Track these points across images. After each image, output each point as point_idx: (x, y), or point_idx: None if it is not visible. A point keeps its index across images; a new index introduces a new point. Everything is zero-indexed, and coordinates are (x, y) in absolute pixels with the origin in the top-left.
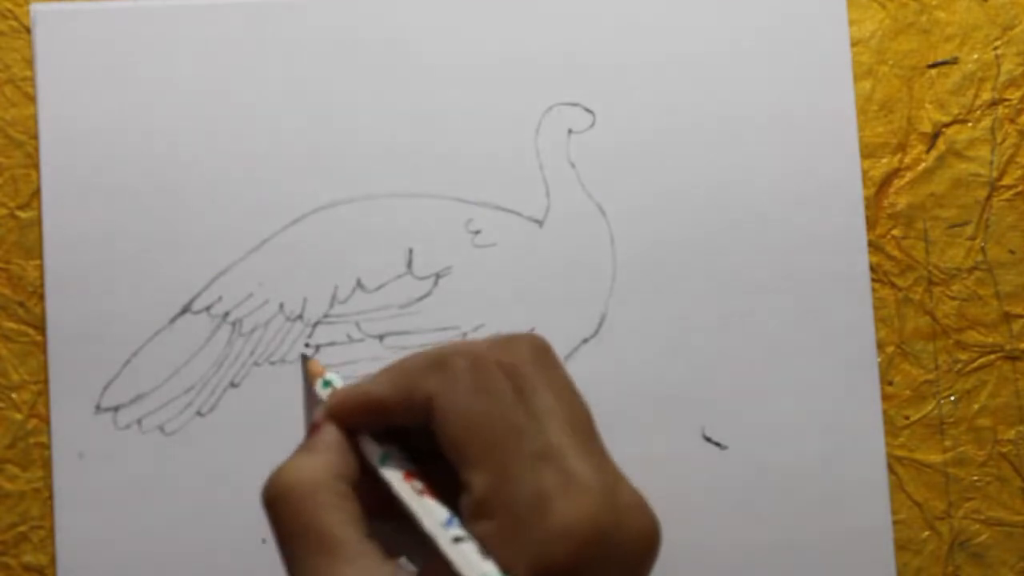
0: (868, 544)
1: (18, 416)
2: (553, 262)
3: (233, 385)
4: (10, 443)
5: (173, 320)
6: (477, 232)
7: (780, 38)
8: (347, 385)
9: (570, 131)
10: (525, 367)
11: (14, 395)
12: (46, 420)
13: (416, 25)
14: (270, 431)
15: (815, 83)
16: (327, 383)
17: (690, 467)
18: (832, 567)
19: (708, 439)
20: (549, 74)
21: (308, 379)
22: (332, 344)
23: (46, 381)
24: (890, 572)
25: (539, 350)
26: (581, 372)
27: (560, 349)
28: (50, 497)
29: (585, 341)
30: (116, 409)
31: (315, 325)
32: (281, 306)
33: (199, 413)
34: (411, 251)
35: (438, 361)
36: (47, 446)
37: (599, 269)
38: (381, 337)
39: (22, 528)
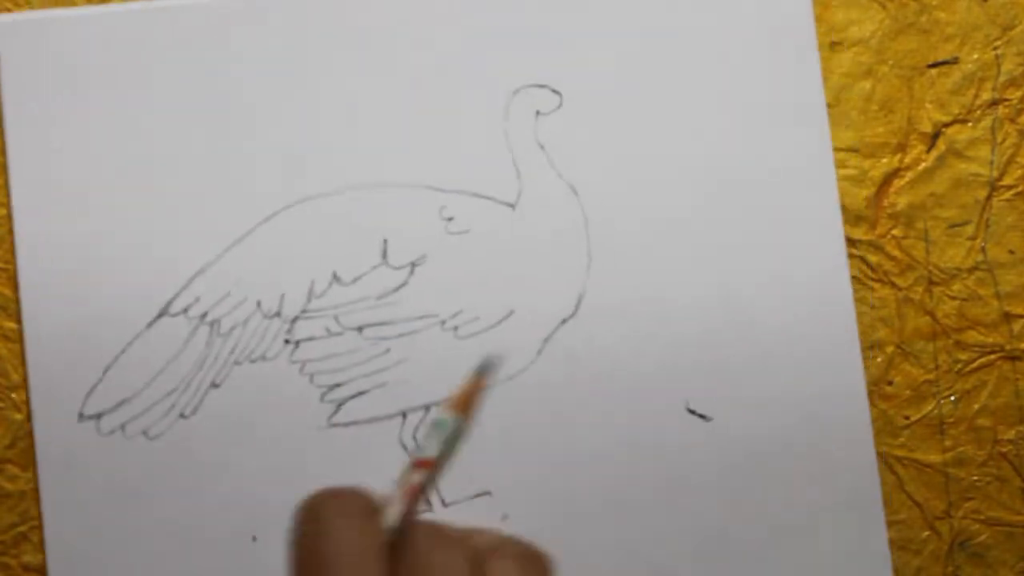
0: (856, 514)
1: (18, 416)
2: (528, 244)
3: (215, 386)
4: (10, 443)
5: (151, 324)
6: (450, 219)
7: (749, 13)
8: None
9: (538, 113)
10: None
11: (14, 395)
12: None
13: (378, 14)
14: (254, 429)
15: (783, 60)
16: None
17: (675, 440)
18: (820, 537)
19: (692, 411)
20: (515, 56)
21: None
22: (311, 339)
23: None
24: (881, 541)
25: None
26: (562, 352)
27: (539, 330)
28: None
29: (564, 321)
30: (99, 416)
31: (293, 321)
32: (258, 304)
33: (182, 415)
34: (385, 241)
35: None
36: None
37: (575, 249)
38: (360, 329)
39: (22, 528)
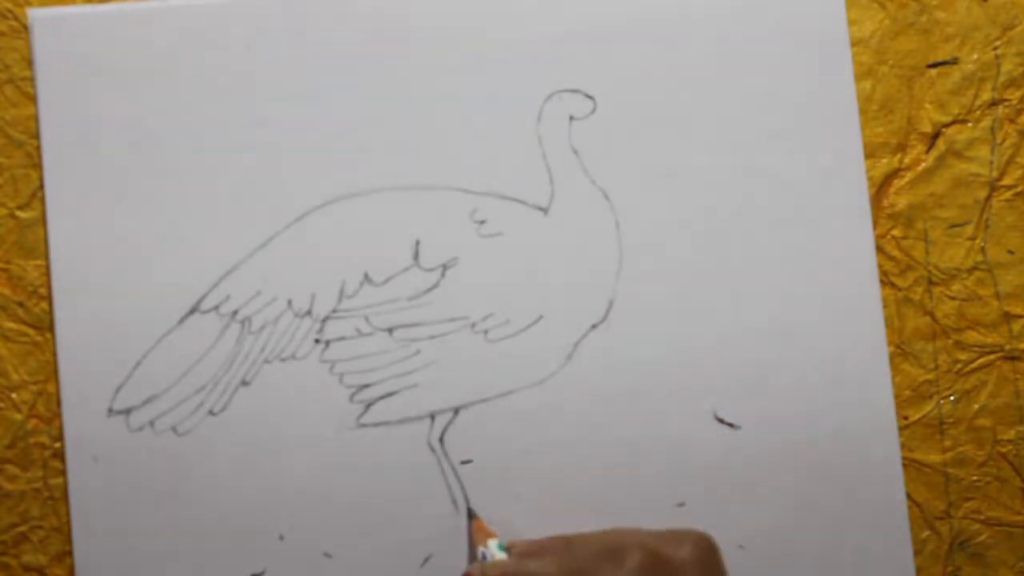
0: (882, 518)
1: (18, 416)
2: (559, 249)
3: (244, 383)
4: (10, 443)
5: (182, 320)
6: (482, 222)
7: (782, 25)
8: (508, 560)
9: (571, 118)
10: (690, 569)
11: (14, 395)
12: (46, 420)
13: (415, 17)
14: (283, 428)
15: (816, 66)
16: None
17: (703, 448)
18: (847, 542)
19: (720, 420)
20: (548, 62)
21: (472, 537)
22: (342, 339)
23: (47, 381)
24: (906, 547)
25: (706, 552)
26: (591, 357)
27: (569, 335)
28: (50, 497)
29: (594, 327)
30: (128, 412)
31: (324, 320)
32: (289, 303)
33: (211, 412)
34: (417, 243)
35: (613, 551)
36: (47, 446)
37: (605, 254)
38: (390, 330)
39: (22, 528)
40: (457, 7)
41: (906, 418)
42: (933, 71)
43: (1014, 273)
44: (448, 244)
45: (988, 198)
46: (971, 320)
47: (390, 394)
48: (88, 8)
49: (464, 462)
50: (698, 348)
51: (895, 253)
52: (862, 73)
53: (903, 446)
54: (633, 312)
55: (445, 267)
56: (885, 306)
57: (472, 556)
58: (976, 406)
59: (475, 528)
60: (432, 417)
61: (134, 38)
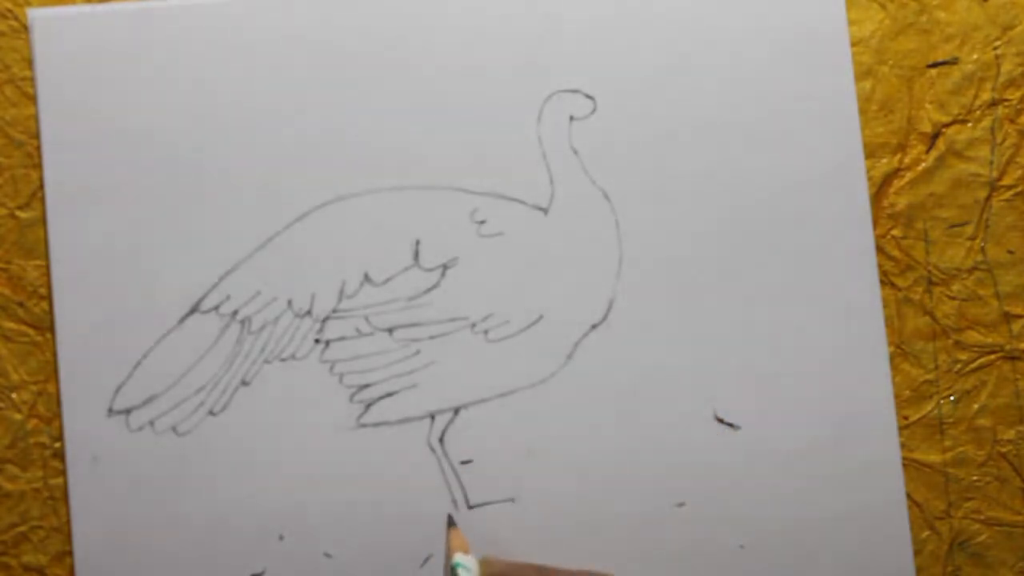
0: (883, 520)
1: (18, 416)
2: (559, 249)
3: (244, 383)
4: (10, 443)
5: (182, 320)
6: (482, 222)
7: (782, 25)
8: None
9: (572, 118)
10: None
11: (14, 395)
12: (46, 420)
13: (415, 17)
14: (283, 428)
15: (816, 66)
16: (454, 568)
17: (703, 448)
18: (847, 543)
19: (720, 420)
20: (549, 61)
21: (448, 545)
22: (342, 339)
23: (47, 381)
24: (906, 547)
25: None
26: (591, 358)
27: (569, 335)
28: (50, 497)
29: (594, 327)
30: (128, 412)
31: (324, 320)
32: (289, 303)
33: (211, 412)
34: (417, 243)
35: None
36: (47, 446)
37: (606, 254)
38: (391, 330)
39: (22, 528)
40: (457, 7)
41: (906, 418)
42: (933, 71)
43: (1014, 273)
44: (448, 244)
45: (988, 198)
46: (971, 320)
47: (390, 394)
48: (88, 8)
49: (464, 462)
50: (698, 348)
51: (895, 253)
52: (862, 73)
53: (903, 446)
54: (633, 312)
55: (445, 267)
56: (885, 306)
57: (445, 565)
58: (976, 406)
59: (451, 537)
60: (432, 417)
61: (134, 38)
